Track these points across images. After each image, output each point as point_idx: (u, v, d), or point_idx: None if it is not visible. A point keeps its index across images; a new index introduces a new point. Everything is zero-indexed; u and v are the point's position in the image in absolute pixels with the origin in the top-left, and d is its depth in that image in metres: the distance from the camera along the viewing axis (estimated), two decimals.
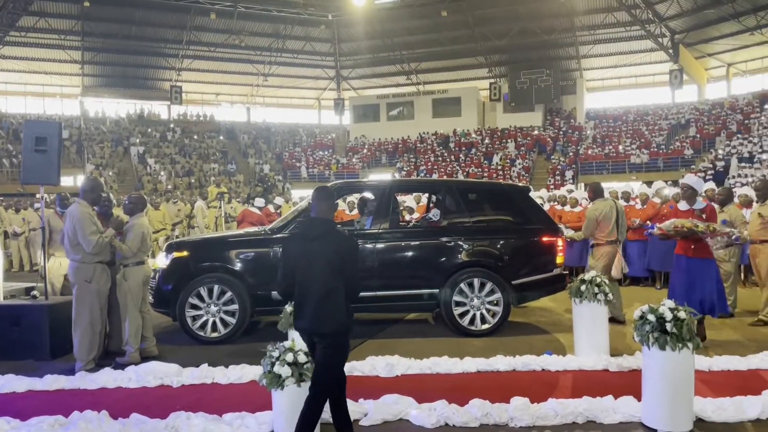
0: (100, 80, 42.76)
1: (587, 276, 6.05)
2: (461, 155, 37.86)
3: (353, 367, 5.48)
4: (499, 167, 35.19)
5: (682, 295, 5.72)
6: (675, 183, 17.81)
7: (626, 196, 11.19)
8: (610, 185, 11.42)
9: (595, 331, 5.94)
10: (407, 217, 10.61)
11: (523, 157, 36.18)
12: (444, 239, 7.24)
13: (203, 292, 6.87)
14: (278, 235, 7.11)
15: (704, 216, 6.08)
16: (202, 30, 41.36)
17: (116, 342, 6.42)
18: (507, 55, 42.77)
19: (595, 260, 7.61)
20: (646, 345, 4.21)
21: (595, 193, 7.93)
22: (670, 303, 4.28)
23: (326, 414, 3.87)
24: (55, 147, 6.58)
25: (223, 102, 47.59)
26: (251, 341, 6.83)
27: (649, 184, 12.93)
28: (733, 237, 5.86)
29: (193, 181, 34.02)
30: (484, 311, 7.08)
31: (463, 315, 7.06)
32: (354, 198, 11.99)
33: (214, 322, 6.90)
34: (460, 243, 7.20)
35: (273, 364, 4.00)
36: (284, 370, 3.96)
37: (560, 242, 7.44)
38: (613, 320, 6.89)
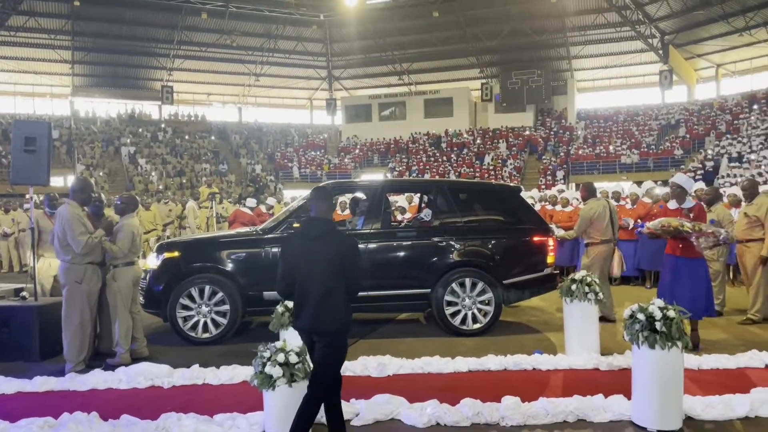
0: (90, 80, 42.50)
1: (578, 275, 6.08)
2: (453, 155, 37.92)
3: (345, 367, 5.41)
4: (491, 167, 35.28)
5: (670, 294, 5.74)
6: (665, 183, 17.91)
7: (616, 196, 11.27)
8: (600, 185, 11.46)
9: (585, 330, 5.97)
10: (399, 217, 10.62)
11: (515, 157, 36.28)
12: (436, 239, 7.25)
13: (194, 292, 6.85)
14: (270, 236, 7.11)
15: (692, 215, 6.09)
16: (193, 30, 41.19)
17: (106, 343, 6.38)
18: (498, 55, 42.89)
19: (589, 259, 7.64)
20: (636, 344, 4.24)
21: (589, 192, 7.97)
22: (660, 302, 4.31)
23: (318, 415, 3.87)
24: (45, 147, 6.55)
25: (215, 102, 47.44)
26: (243, 342, 6.83)
27: (639, 184, 13.02)
28: (721, 237, 5.86)
29: (184, 181, 33.88)
30: (475, 311, 7.10)
31: (454, 315, 7.08)
32: (346, 198, 12.00)
33: (205, 323, 6.88)
34: (452, 243, 7.22)
35: (264, 365, 4.00)
36: (275, 371, 3.96)
37: (551, 242, 7.48)
38: (603, 319, 6.92)
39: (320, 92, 48.31)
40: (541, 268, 7.40)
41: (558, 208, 11.97)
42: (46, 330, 6.31)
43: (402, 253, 7.30)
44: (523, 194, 8.58)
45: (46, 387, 5.30)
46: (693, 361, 5.57)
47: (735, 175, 25.64)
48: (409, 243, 7.34)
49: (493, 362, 5.70)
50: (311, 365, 4.22)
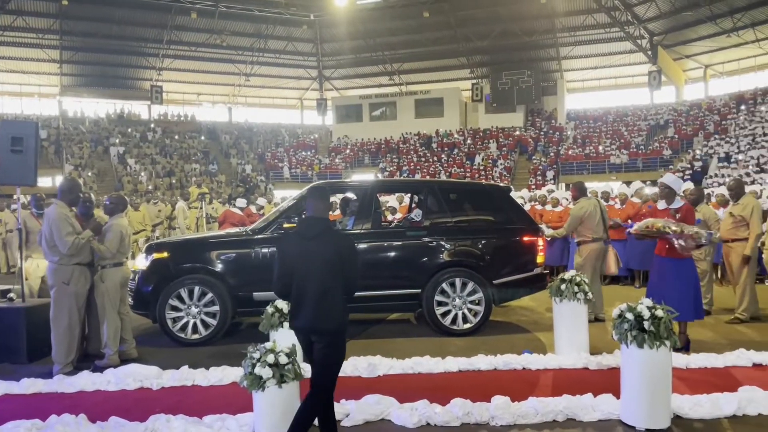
0: (79, 80, 42.14)
1: (567, 275, 6.11)
2: (444, 155, 37.98)
3: None
4: (481, 167, 35.38)
5: (658, 294, 5.75)
6: (654, 183, 18.02)
7: (605, 196, 11.33)
8: (590, 185, 11.50)
9: (575, 329, 6.00)
10: (390, 218, 10.62)
11: (505, 157, 36.40)
12: (426, 239, 7.26)
13: (184, 293, 6.82)
14: (260, 236, 7.09)
15: (678, 216, 6.09)
16: (183, 29, 40.96)
17: (95, 344, 6.33)
18: (489, 56, 43.01)
19: (582, 258, 7.68)
20: (625, 343, 4.27)
21: (579, 191, 8.02)
22: (648, 301, 4.34)
23: None
24: (32, 147, 6.49)
25: (205, 102, 47.23)
26: (232, 343, 6.81)
27: (629, 184, 13.09)
28: (702, 239, 5.81)
29: (174, 181, 33.70)
30: (465, 311, 7.11)
31: (445, 314, 7.09)
32: (336, 198, 11.98)
33: (194, 324, 6.85)
34: (442, 243, 7.23)
35: (254, 366, 3.99)
36: (265, 372, 3.95)
37: (541, 242, 7.51)
38: (593, 319, 6.96)
39: (311, 92, 48.23)
40: (531, 267, 7.42)
41: (548, 208, 12.03)
42: (34, 331, 6.25)
43: (392, 254, 7.30)
44: (513, 194, 8.61)
45: (34, 389, 5.25)
46: (681, 360, 5.62)
47: (723, 175, 25.86)
48: (400, 243, 7.34)
49: (483, 362, 5.72)
50: (302, 366, 4.22)
